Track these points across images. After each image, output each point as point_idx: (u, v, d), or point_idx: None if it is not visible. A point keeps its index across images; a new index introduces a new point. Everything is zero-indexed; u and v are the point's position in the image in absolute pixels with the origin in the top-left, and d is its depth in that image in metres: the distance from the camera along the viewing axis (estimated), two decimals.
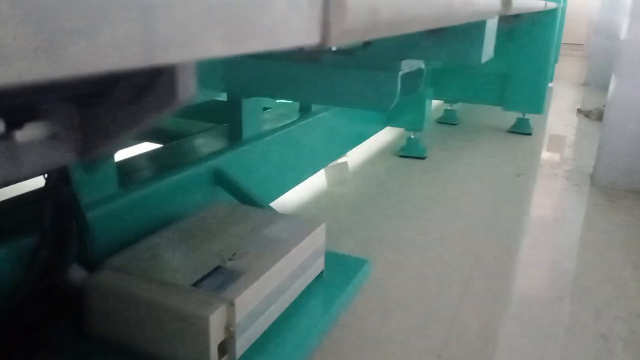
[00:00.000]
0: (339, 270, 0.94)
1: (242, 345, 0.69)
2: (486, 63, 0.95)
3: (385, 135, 2.30)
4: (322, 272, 0.92)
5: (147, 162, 1.03)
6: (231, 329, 0.67)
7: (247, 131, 1.20)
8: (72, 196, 0.72)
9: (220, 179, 1.06)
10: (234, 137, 1.20)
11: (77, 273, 0.71)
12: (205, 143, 1.16)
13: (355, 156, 2.03)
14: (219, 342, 0.66)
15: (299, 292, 0.84)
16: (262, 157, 1.23)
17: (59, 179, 0.69)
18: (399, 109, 1.99)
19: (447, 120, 2.65)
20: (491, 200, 1.70)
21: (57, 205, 0.71)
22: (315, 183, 1.74)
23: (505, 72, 2.39)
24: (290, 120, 1.37)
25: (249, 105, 1.20)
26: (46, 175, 0.69)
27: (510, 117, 2.55)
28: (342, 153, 1.75)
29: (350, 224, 1.46)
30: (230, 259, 0.76)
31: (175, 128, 1.40)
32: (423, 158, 2.03)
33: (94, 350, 0.71)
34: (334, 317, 0.86)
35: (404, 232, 1.45)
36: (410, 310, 1.09)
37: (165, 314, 0.66)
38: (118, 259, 0.75)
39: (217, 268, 0.74)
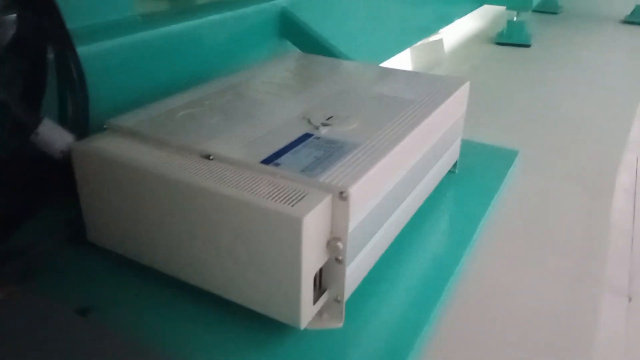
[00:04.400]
0: (478, 164, 0.61)
1: (353, 277, 0.37)
2: None
3: (473, 20, 1.86)
4: (455, 164, 0.58)
5: None
6: (339, 244, 0.34)
7: None
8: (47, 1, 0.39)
9: (287, 25, 0.71)
10: None
11: (56, 134, 0.40)
12: None
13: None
14: (317, 269, 0.34)
15: (430, 190, 0.51)
16: (343, 12, 0.87)
17: None
18: None
19: (545, 7, 2.15)
20: (628, 95, 1.29)
21: (21, 17, 0.38)
22: (401, 64, 1.36)
23: None
24: None
25: None
26: None
27: (626, 5, 2.04)
28: (432, 32, 1.35)
29: None
30: (324, 125, 0.43)
31: None
32: (527, 46, 1.60)
33: (89, 264, 0.41)
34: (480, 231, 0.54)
35: (534, 130, 1.08)
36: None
37: (212, 209, 0.34)
38: (130, 118, 0.43)
39: (305, 137, 0.41)
